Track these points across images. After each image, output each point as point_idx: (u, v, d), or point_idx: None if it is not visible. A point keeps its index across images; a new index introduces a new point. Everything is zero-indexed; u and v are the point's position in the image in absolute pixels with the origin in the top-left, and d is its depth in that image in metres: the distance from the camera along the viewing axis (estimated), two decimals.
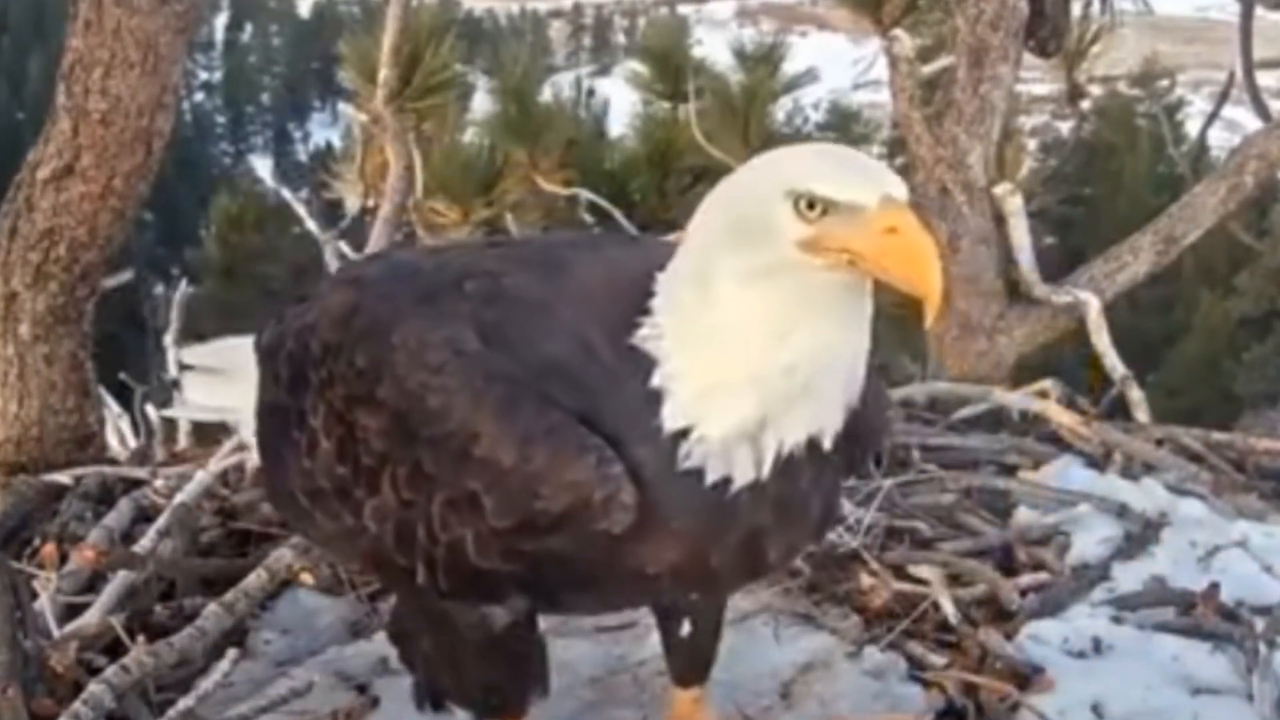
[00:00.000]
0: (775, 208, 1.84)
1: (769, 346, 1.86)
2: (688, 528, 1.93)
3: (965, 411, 4.18)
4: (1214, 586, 2.89)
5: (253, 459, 3.48)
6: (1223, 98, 6.35)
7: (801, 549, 2.28)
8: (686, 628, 2.33)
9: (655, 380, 1.90)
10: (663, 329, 1.91)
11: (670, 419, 1.89)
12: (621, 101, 8.54)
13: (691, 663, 2.39)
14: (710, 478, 1.91)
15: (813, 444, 1.95)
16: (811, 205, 1.83)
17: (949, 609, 2.91)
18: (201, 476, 3.31)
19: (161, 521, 3.12)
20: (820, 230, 1.83)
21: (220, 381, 2.74)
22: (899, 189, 1.84)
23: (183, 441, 5.99)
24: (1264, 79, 5.81)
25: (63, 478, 3.50)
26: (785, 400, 1.88)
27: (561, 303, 1.99)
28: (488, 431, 1.90)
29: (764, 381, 1.87)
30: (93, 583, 2.92)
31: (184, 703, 2.46)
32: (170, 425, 6.28)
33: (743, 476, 1.92)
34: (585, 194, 6.84)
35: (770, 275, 1.85)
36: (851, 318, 1.90)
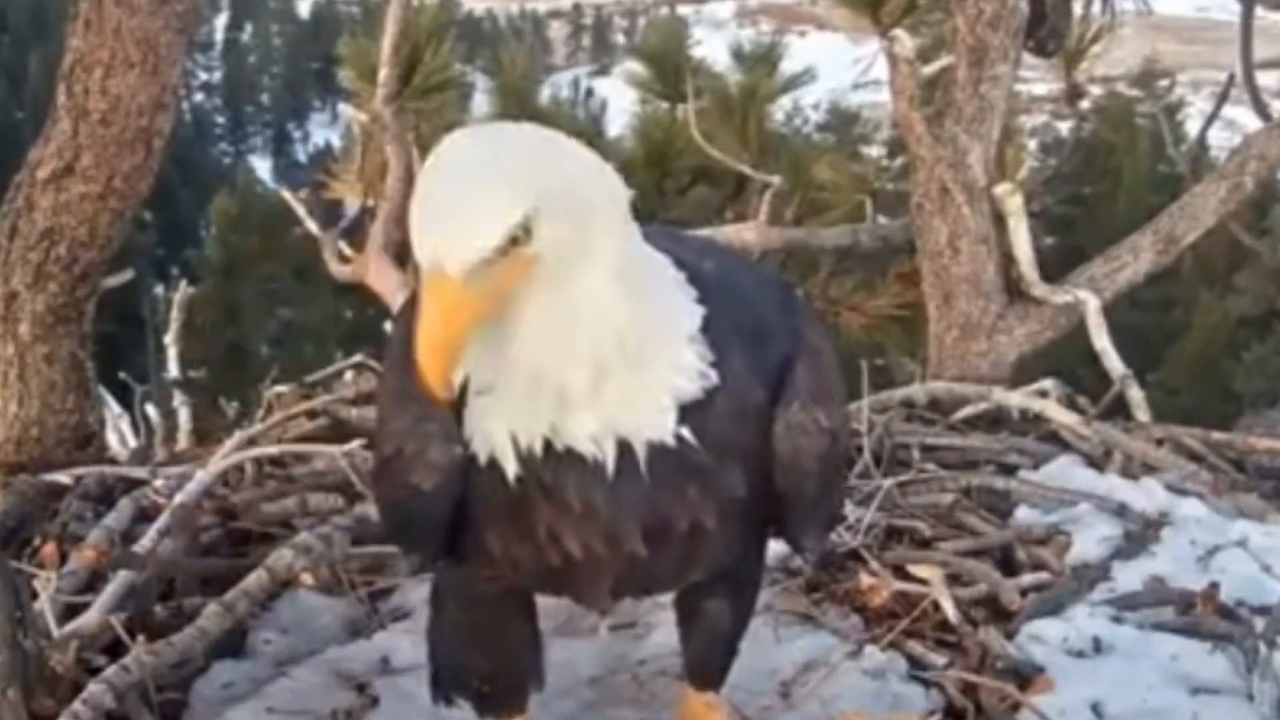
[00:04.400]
0: None
1: (478, 353, 1.82)
2: (489, 508, 1.96)
3: (965, 411, 4.18)
4: (1214, 586, 2.89)
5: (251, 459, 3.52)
6: (1223, 98, 6.35)
7: (640, 568, 2.06)
8: (701, 630, 2.33)
9: None
10: None
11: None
12: (620, 101, 8.54)
13: (704, 665, 2.39)
14: (480, 460, 1.92)
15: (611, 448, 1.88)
16: None
17: (949, 609, 2.90)
18: (201, 476, 3.31)
19: (162, 521, 3.12)
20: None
21: None
22: (457, 253, 1.72)
23: (183, 441, 6.00)
24: (1264, 79, 5.80)
25: (63, 478, 3.49)
26: (512, 399, 1.86)
27: None
28: (385, 379, 2.13)
29: (483, 381, 1.87)
30: (93, 583, 2.92)
31: None
32: (170, 425, 6.29)
33: (511, 468, 1.90)
34: None
35: None
36: (558, 318, 1.80)
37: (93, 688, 2.40)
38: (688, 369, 1.90)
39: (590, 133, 7.82)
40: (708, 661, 2.38)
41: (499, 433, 1.90)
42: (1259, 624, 2.78)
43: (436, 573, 2.28)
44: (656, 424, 1.89)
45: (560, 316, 1.80)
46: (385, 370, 2.14)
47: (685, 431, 1.90)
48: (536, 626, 2.28)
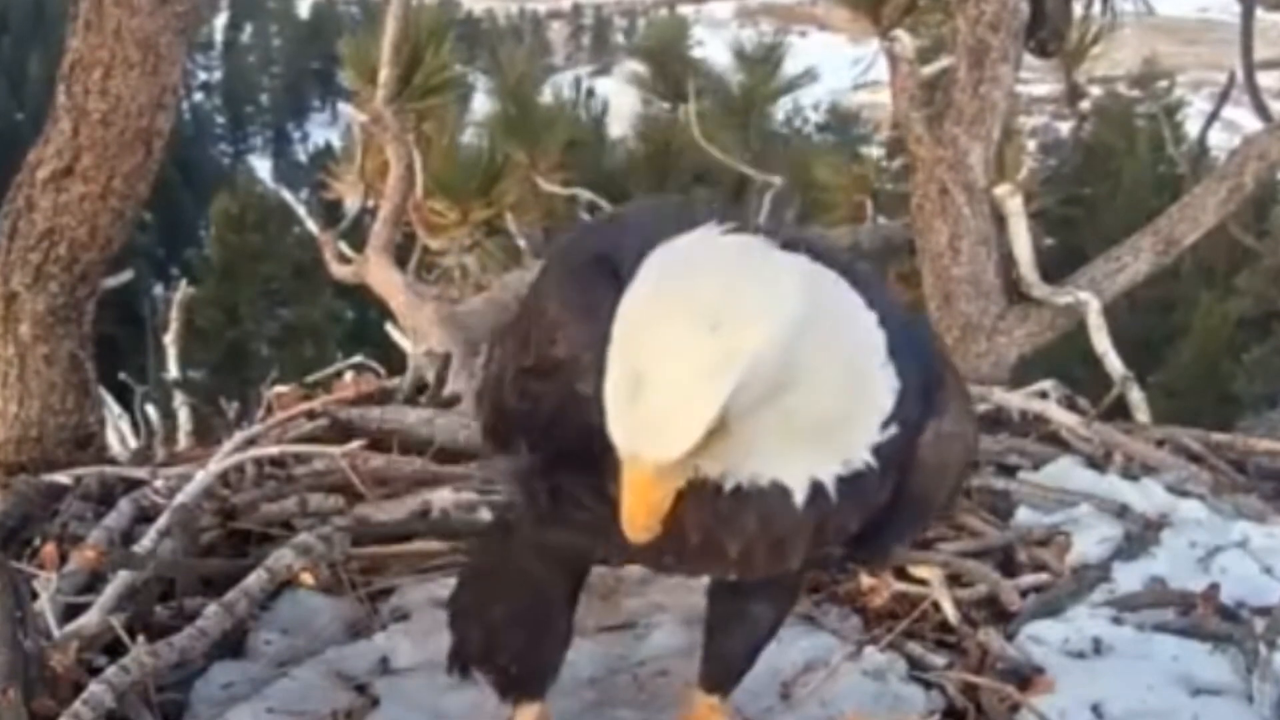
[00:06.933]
0: None
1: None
2: None
3: None
4: (1214, 587, 2.88)
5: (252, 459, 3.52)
6: (1223, 98, 6.34)
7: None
8: (736, 632, 2.33)
9: None
10: None
11: None
12: (621, 102, 8.57)
13: (724, 671, 2.38)
14: None
15: None
16: None
17: (949, 609, 2.91)
18: (202, 476, 3.31)
19: (162, 521, 3.12)
20: None
21: None
22: (654, 454, 1.73)
23: (183, 441, 6.00)
24: (1264, 80, 5.79)
25: (63, 478, 3.49)
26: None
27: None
28: (553, 290, 2.06)
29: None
30: (93, 583, 2.91)
31: None
32: (170, 425, 6.28)
33: None
34: (585, 194, 6.85)
35: None
36: None
37: (93, 688, 2.39)
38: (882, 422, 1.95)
39: (592, 134, 7.84)
40: (731, 664, 2.37)
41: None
42: (1259, 625, 2.78)
43: (494, 541, 2.33)
44: (852, 463, 1.93)
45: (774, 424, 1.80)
46: (557, 278, 2.08)
47: (870, 458, 1.93)
48: (573, 620, 2.29)
